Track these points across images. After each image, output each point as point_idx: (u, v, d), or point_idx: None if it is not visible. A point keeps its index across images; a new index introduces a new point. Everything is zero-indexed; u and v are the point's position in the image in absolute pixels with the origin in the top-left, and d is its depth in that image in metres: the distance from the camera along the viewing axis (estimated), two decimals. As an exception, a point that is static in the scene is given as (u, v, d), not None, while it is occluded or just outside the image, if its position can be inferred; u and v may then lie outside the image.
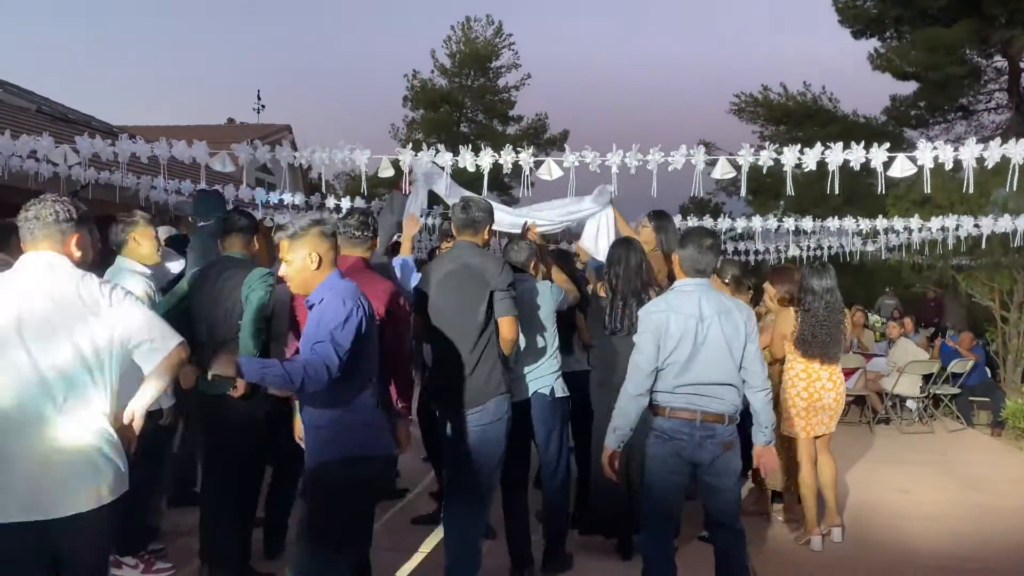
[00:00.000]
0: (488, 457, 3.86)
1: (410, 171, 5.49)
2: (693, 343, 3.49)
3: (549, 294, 4.28)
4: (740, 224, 10.14)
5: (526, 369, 4.22)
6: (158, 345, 2.71)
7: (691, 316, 3.50)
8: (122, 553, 4.23)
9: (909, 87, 24.41)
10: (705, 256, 3.58)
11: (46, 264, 2.69)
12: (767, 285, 5.44)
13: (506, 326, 3.84)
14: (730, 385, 3.54)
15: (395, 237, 5.50)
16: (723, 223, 10.36)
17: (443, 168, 5.48)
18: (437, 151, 5.32)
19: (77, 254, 2.77)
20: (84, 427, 2.59)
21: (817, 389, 4.91)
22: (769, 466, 3.74)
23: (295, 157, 5.59)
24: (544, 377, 4.22)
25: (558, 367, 4.31)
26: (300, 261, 3.03)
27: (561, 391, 4.29)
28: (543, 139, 30.72)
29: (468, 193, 5.54)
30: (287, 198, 9.34)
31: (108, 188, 8.05)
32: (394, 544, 4.81)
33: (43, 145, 5.94)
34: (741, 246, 12.22)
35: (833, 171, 4.89)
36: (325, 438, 3.01)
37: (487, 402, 3.82)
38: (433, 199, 5.85)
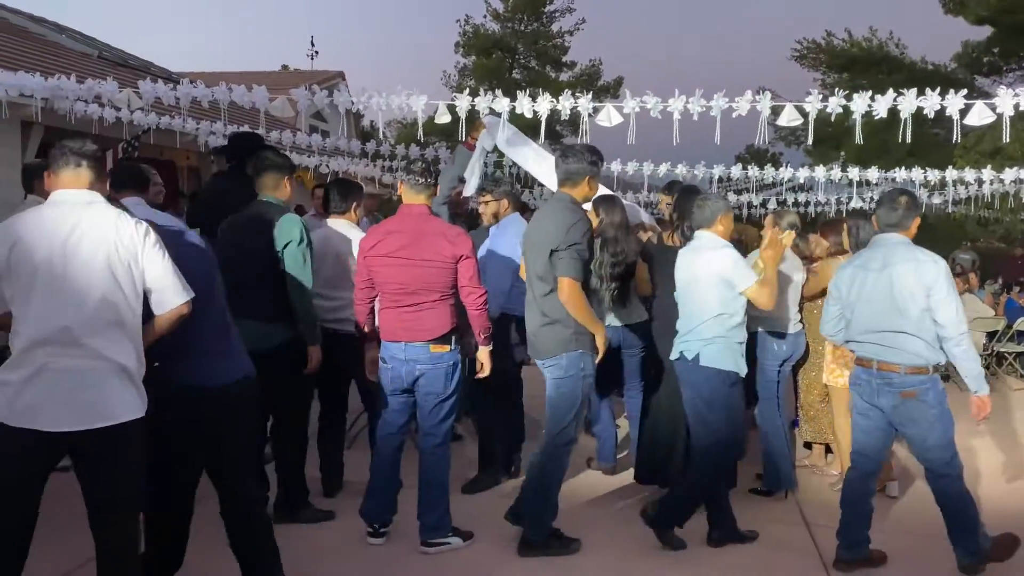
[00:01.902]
0: (562, 410, 3.94)
1: (477, 125, 5.48)
2: (860, 292, 3.77)
3: (723, 263, 3.97)
4: (802, 174, 9.86)
5: (681, 331, 4.12)
6: (162, 299, 2.87)
7: (861, 267, 3.83)
8: None
9: (983, 32, 23.34)
10: (893, 212, 3.79)
11: (84, 200, 2.81)
12: (818, 237, 5.40)
13: (563, 287, 3.80)
14: (906, 334, 3.66)
15: (453, 191, 5.55)
16: (784, 172, 10.08)
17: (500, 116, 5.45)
18: (494, 96, 5.25)
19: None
20: (114, 352, 2.77)
21: None
22: (982, 413, 3.88)
23: (353, 103, 5.57)
24: (691, 342, 4.05)
25: (714, 334, 3.97)
26: None
27: (712, 360, 3.97)
28: (597, 86, 30.22)
29: (530, 146, 5.53)
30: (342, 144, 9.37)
31: (169, 133, 8.18)
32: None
33: (107, 89, 6.02)
34: (801, 197, 11.95)
35: (905, 119, 4.70)
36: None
37: (559, 356, 3.89)
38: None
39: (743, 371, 4.07)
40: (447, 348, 3.92)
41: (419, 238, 3.86)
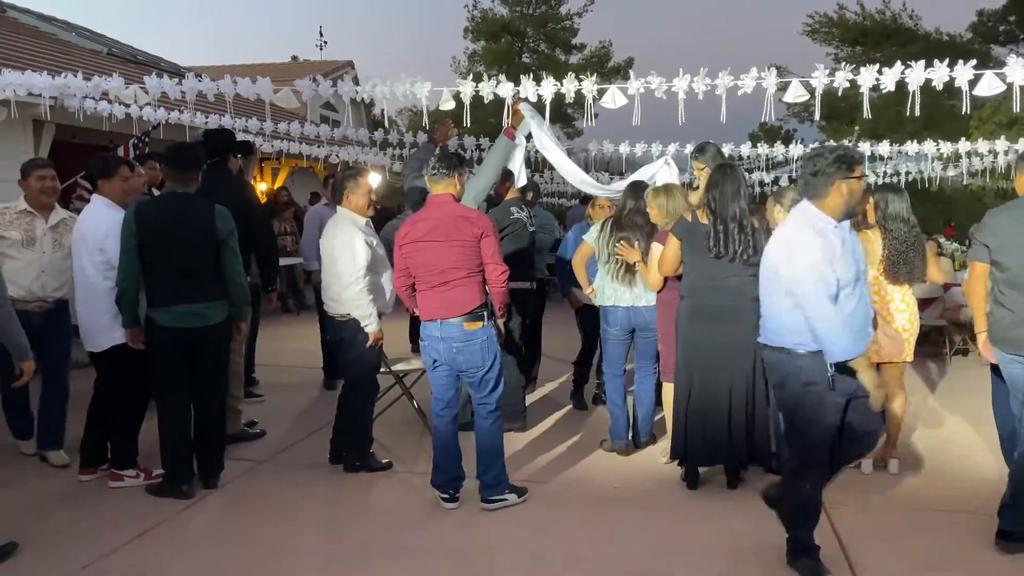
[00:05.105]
0: None
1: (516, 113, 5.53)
2: None
3: None
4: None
5: None
6: None
7: None
8: (121, 468, 4.62)
9: (998, 0, 22.98)
10: None
11: None
12: None
13: None
14: None
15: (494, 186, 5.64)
16: (795, 149, 9.99)
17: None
18: (498, 82, 5.24)
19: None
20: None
21: (891, 311, 4.80)
22: None
23: (357, 92, 5.58)
24: None
25: None
26: None
27: None
28: (607, 67, 30.00)
29: (552, 148, 5.63)
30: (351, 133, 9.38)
31: (178, 128, 8.22)
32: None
33: (113, 86, 6.06)
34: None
35: (914, 91, 4.64)
36: None
37: None
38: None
39: None
40: (479, 325, 4.20)
41: (443, 221, 4.18)
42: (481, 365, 4.24)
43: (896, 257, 4.75)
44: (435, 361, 4.30)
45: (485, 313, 4.23)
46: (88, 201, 6.92)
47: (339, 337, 4.87)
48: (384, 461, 4.96)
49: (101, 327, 4.56)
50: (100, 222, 4.55)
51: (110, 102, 7.04)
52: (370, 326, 4.73)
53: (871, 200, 4.96)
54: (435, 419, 4.41)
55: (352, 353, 4.86)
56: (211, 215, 4.41)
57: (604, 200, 6.19)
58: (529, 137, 5.96)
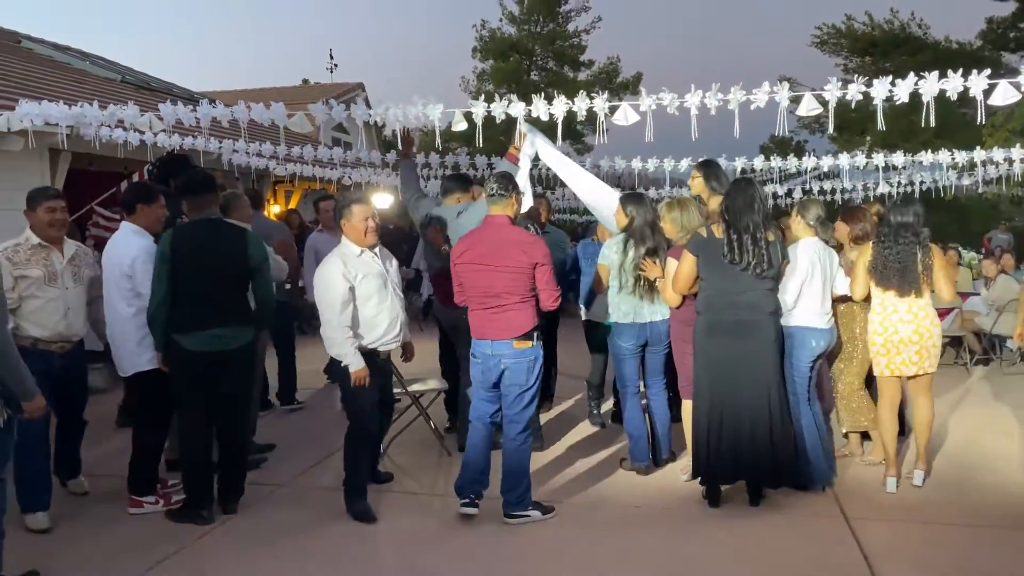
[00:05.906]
0: None
1: (522, 136, 5.53)
2: None
3: None
4: (826, 162, 9.73)
5: None
6: None
7: None
8: (141, 494, 4.61)
9: (1008, 7, 22.94)
10: None
11: None
12: (839, 224, 5.42)
13: None
14: None
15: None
16: (808, 162, 9.94)
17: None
18: (510, 101, 5.24)
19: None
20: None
21: (894, 323, 4.73)
22: None
23: (370, 115, 5.59)
24: None
25: None
26: None
27: None
28: (616, 83, 30.06)
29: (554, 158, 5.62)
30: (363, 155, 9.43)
31: (192, 153, 8.28)
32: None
33: (128, 114, 6.11)
34: (827, 185, 11.78)
35: (928, 102, 4.60)
36: None
37: None
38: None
39: None
40: (529, 344, 4.30)
41: (499, 247, 4.28)
42: (525, 383, 4.33)
43: (880, 262, 4.73)
44: (484, 376, 4.40)
45: (536, 333, 4.31)
46: (105, 228, 6.96)
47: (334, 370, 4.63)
48: (370, 513, 4.47)
49: (126, 353, 4.59)
50: (130, 248, 4.57)
51: (125, 130, 7.10)
52: (350, 365, 4.31)
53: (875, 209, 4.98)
54: (472, 427, 4.50)
55: (343, 387, 4.50)
56: (244, 243, 4.45)
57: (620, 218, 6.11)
58: (537, 159, 5.94)
